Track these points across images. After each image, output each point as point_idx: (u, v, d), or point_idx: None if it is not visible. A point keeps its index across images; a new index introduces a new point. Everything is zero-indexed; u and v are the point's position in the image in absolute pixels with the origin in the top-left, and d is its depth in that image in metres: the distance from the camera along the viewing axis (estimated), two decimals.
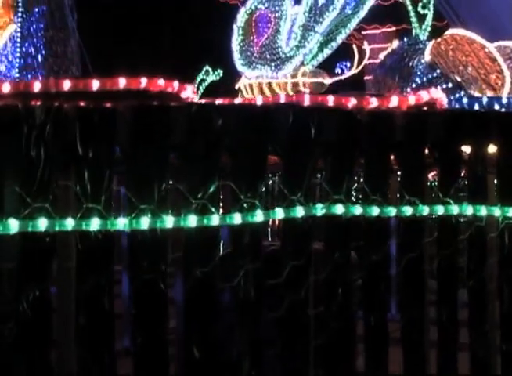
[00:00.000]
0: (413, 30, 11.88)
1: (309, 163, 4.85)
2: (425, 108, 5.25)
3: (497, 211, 5.47)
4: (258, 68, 16.66)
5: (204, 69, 13.81)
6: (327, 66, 17.67)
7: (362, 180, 5.04)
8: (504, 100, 5.89)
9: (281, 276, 4.81)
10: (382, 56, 12.03)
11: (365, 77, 20.05)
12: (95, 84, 4.22)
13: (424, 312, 5.42)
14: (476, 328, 5.57)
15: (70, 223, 4.29)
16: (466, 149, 5.39)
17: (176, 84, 4.51)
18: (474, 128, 5.38)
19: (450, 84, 11.25)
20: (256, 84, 17.01)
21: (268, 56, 16.57)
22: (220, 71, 13.67)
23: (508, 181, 5.54)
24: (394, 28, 18.75)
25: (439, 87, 5.56)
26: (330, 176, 4.93)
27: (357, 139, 4.98)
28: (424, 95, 5.21)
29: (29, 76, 13.10)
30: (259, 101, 4.83)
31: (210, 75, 13.99)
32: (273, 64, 16.54)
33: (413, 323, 5.31)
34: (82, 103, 4.30)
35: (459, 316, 5.54)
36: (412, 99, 5.11)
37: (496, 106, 5.77)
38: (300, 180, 4.86)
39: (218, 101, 4.97)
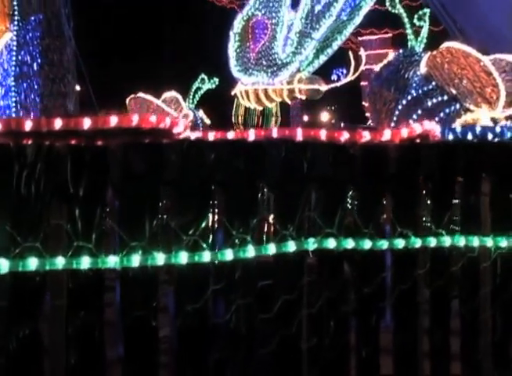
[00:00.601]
0: (409, 42, 11.87)
1: (301, 197, 4.84)
2: (418, 140, 5.24)
3: (490, 242, 5.47)
4: (255, 74, 16.66)
5: (200, 77, 13.82)
6: (323, 73, 17.69)
7: (354, 213, 5.02)
8: (497, 129, 5.88)
9: (273, 311, 4.81)
10: (378, 67, 12.01)
11: (362, 83, 20.05)
12: (87, 123, 4.20)
13: (417, 342, 5.42)
14: (468, 357, 5.57)
15: (60, 262, 4.28)
16: (460, 180, 5.38)
17: (168, 120, 4.48)
18: (467, 159, 5.37)
19: (445, 97, 11.28)
20: (252, 90, 17.02)
21: (264, 63, 16.57)
22: (216, 80, 13.68)
23: (500, 211, 5.54)
24: (390, 34, 18.73)
25: (433, 119, 5.53)
26: (323, 210, 4.92)
27: (350, 172, 4.98)
28: (417, 128, 5.20)
29: (24, 84, 13.12)
30: (251, 136, 4.80)
31: (206, 83, 14.01)
32: (269, 70, 16.54)
33: (406, 355, 5.31)
34: (73, 142, 4.28)
35: (452, 345, 5.54)
36: (404, 132, 5.09)
37: (490, 136, 5.75)
38: (292, 215, 4.86)
39: (211, 134, 4.95)
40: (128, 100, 14.77)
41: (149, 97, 14.49)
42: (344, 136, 4.86)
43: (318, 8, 15.90)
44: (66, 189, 4.31)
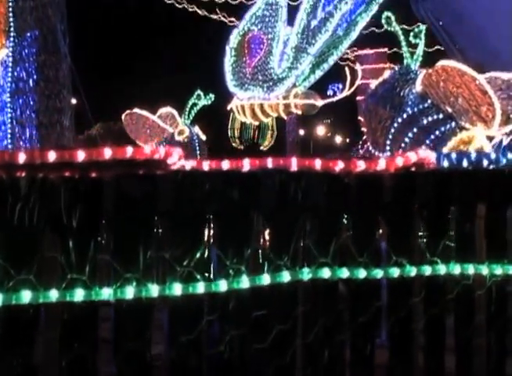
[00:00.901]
0: (405, 60, 11.89)
1: (296, 227, 4.84)
2: (413, 169, 5.24)
3: (485, 270, 5.46)
4: (250, 89, 16.69)
5: (196, 93, 13.83)
6: (319, 88, 17.73)
7: (349, 242, 5.02)
8: (492, 156, 5.87)
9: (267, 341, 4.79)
10: (373, 85, 12.03)
11: (358, 98, 20.10)
12: (81, 156, 4.20)
13: (412, 371, 5.41)
14: None
15: (54, 295, 4.26)
16: (454, 208, 5.38)
17: (162, 150, 4.48)
18: (462, 187, 5.38)
19: (441, 115, 11.30)
20: (248, 105, 17.05)
21: (260, 77, 16.61)
22: (211, 96, 13.69)
23: (495, 239, 5.54)
24: (386, 49, 18.77)
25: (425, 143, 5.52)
26: (317, 239, 4.92)
27: (344, 202, 4.97)
28: (412, 156, 5.20)
29: (20, 100, 13.12)
30: (246, 165, 4.79)
31: (202, 99, 14.02)
32: (265, 85, 16.57)
33: None
34: (67, 173, 4.27)
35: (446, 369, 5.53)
36: (399, 161, 5.09)
37: (485, 162, 5.74)
38: (287, 244, 4.85)
39: (206, 163, 4.94)
40: (123, 116, 14.78)
41: (144, 113, 14.49)
42: (339, 166, 4.85)
43: (314, 23, 15.95)
44: (60, 221, 4.30)
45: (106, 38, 21.16)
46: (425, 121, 11.20)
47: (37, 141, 12.98)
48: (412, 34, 11.95)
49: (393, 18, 12.12)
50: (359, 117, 18.86)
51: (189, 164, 4.79)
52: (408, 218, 5.21)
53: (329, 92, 17.80)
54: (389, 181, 5.02)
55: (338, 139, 32.11)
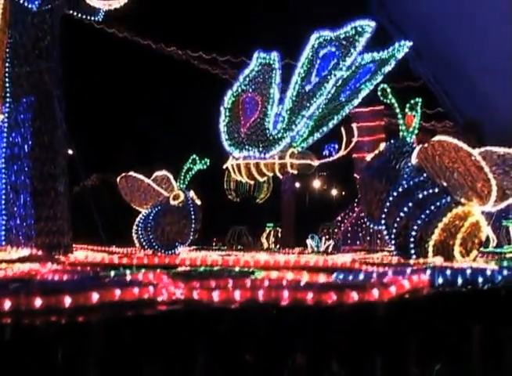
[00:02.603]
0: (400, 133, 11.86)
1: (287, 362, 4.75)
2: (407, 296, 5.17)
3: None
4: (246, 149, 16.70)
5: (191, 158, 13.79)
6: (315, 148, 17.73)
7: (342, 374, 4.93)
8: (488, 272, 5.80)
9: None
10: (369, 157, 11.99)
11: (354, 155, 20.05)
12: (67, 301, 4.12)
13: None
14: None
15: None
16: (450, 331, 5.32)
17: (151, 288, 4.41)
18: (456, 311, 5.32)
19: (437, 189, 11.25)
20: (244, 164, 17.03)
21: (255, 138, 16.63)
22: (207, 160, 13.66)
23: (491, 358, 5.46)
24: (382, 106, 18.75)
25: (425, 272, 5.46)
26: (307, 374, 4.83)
27: (337, 333, 4.89)
28: (406, 284, 5.13)
29: (15, 166, 13.05)
30: (237, 296, 4.72)
31: (197, 164, 13.98)
32: (261, 145, 16.58)
33: None
34: (54, 319, 4.19)
35: None
36: (393, 290, 5.02)
37: (480, 279, 5.68)
38: None
39: (195, 292, 4.86)
40: (118, 179, 14.71)
41: (139, 176, 14.43)
42: (332, 297, 4.78)
43: (308, 87, 16.00)
44: (47, 365, 4.21)
45: (104, 106, 21.22)
46: (420, 195, 11.13)
47: (32, 207, 12.91)
48: (408, 105, 11.93)
49: (389, 90, 12.11)
50: (355, 174, 18.85)
51: (180, 298, 4.71)
52: (401, 346, 5.12)
53: (325, 152, 17.81)
54: (382, 311, 4.95)
55: (334, 192, 32.03)
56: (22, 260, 8.34)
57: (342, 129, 17.29)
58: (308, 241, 17.81)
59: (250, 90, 16.87)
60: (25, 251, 9.46)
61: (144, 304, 4.43)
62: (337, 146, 17.50)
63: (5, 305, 4.06)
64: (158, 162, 15.28)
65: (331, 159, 17.30)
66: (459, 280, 5.64)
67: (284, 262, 8.78)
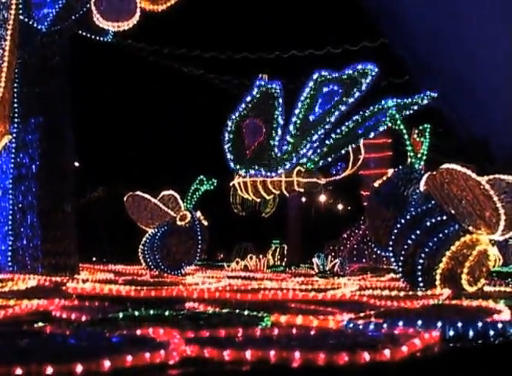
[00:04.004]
0: (409, 159, 11.83)
1: None
2: (418, 354, 5.15)
3: None
4: (252, 169, 16.69)
5: (198, 178, 13.80)
6: (322, 166, 17.71)
7: None
8: (499, 325, 5.77)
9: None
10: (376, 184, 11.97)
11: (360, 172, 20.06)
12: (79, 369, 4.10)
13: None
14: None
15: None
16: None
17: (163, 352, 4.41)
18: (468, 366, 5.29)
19: (445, 217, 11.21)
20: (250, 182, 17.02)
21: (261, 159, 16.60)
22: (214, 181, 13.67)
23: None
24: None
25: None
26: None
27: None
28: (417, 342, 5.12)
29: (22, 187, 13.04)
30: (248, 355, 4.71)
31: (205, 184, 13.99)
32: (267, 166, 16.56)
33: None
34: None
35: None
36: (404, 349, 5.01)
37: (491, 332, 5.65)
38: None
39: (205, 350, 4.84)
40: (125, 198, 14.73)
41: (146, 196, 14.45)
42: (344, 358, 4.76)
43: (312, 117, 15.93)
44: None
45: (110, 128, 21.29)
46: (428, 223, 11.10)
47: (39, 228, 12.92)
48: (416, 132, 11.90)
49: (397, 116, 12.09)
50: (361, 192, 18.86)
51: (189, 350, 4.69)
52: None
53: (332, 171, 17.80)
54: (394, 371, 4.92)
55: (340, 207, 32.11)
56: (29, 292, 8.34)
57: (349, 148, 17.27)
58: (314, 260, 17.83)
59: (253, 115, 16.81)
60: (32, 282, 9.46)
61: (156, 368, 4.42)
62: (344, 165, 17.49)
63: (17, 372, 4.04)
64: (165, 181, 15.31)
65: (338, 177, 17.29)
66: (470, 333, 5.62)
67: (292, 297, 8.80)
